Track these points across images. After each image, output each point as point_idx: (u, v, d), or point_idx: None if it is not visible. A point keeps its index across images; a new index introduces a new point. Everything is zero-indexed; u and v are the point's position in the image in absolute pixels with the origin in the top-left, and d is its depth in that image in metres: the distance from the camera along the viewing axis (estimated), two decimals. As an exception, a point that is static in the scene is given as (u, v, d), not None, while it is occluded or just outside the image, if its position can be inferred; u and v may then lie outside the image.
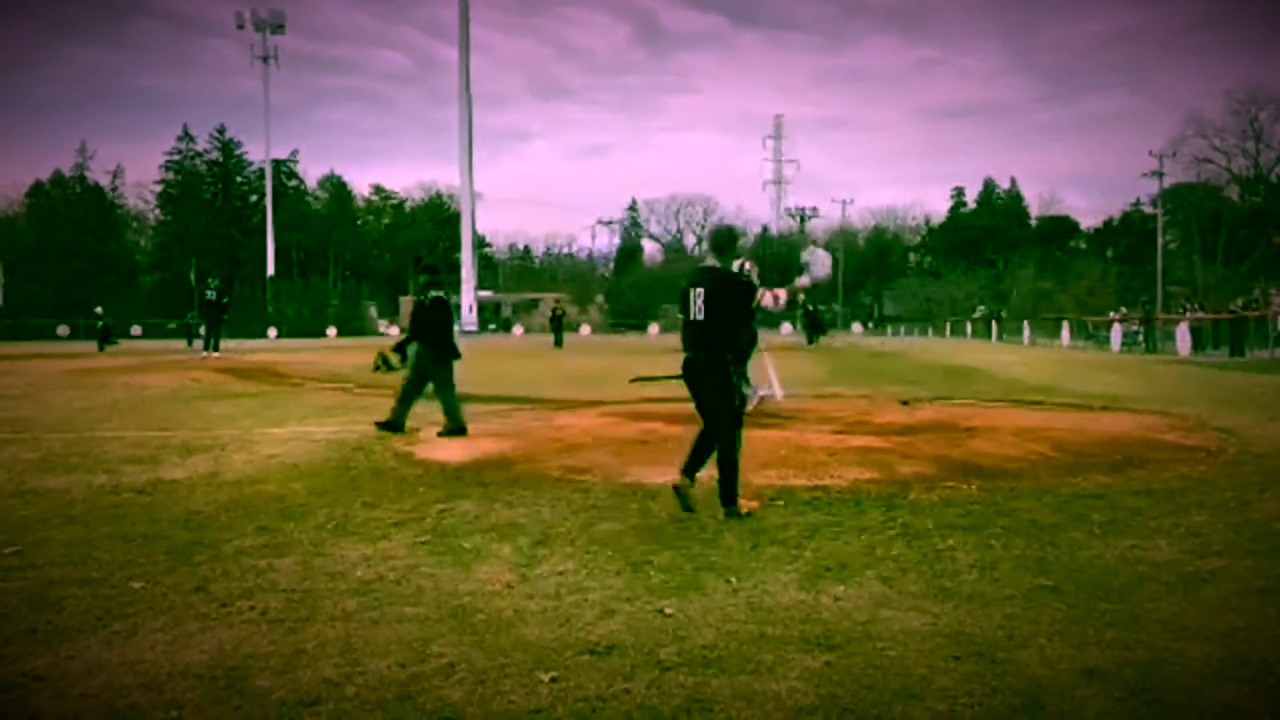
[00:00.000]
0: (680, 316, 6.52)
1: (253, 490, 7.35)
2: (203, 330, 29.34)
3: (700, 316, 6.24)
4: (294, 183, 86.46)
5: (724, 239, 6.59)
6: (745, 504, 6.34)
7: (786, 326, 71.98)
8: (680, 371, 6.46)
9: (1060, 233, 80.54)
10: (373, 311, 78.42)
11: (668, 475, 7.74)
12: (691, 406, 6.52)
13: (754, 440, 9.44)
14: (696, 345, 6.29)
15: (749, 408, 7.85)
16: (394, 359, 10.63)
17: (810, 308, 45.34)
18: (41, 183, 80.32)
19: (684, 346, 6.40)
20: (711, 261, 6.45)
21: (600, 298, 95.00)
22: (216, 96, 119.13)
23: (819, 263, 6.55)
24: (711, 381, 6.26)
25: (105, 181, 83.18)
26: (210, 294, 28.17)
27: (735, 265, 6.69)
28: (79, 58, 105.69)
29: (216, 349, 27.40)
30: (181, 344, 39.21)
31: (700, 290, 6.26)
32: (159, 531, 6.18)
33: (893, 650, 3.95)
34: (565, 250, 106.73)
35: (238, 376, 20.03)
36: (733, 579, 5.03)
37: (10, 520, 6.67)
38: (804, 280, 6.51)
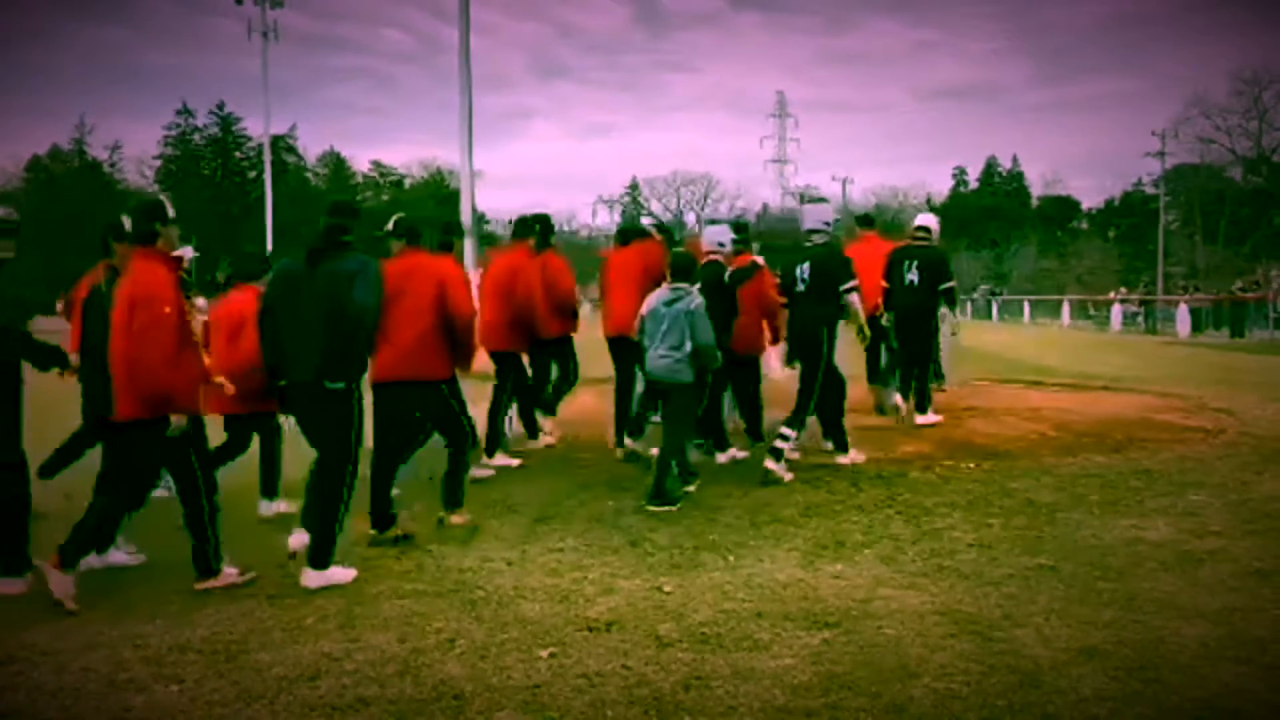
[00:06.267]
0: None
1: (255, 468, 7.33)
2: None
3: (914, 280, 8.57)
4: (294, 159, 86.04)
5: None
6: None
7: None
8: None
9: (1062, 212, 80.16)
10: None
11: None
12: None
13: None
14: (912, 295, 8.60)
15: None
16: None
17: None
18: (40, 157, 79.95)
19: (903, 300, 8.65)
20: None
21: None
22: (217, 74, 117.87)
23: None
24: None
25: (104, 156, 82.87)
26: (222, 277, 28.60)
27: None
28: (78, 33, 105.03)
29: None
30: None
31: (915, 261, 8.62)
32: (161, 507, 6.18)
33: (890, 628, 3.97)
34: (565, 228, 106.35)
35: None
36: (731, 557, 5.05)
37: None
38: None
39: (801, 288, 7.00)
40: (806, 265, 6.98)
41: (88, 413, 5.28)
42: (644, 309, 6.40)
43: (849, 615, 4.13)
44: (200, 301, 6.63)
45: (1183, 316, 29.45)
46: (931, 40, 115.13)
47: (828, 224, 7.30)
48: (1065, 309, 40.94)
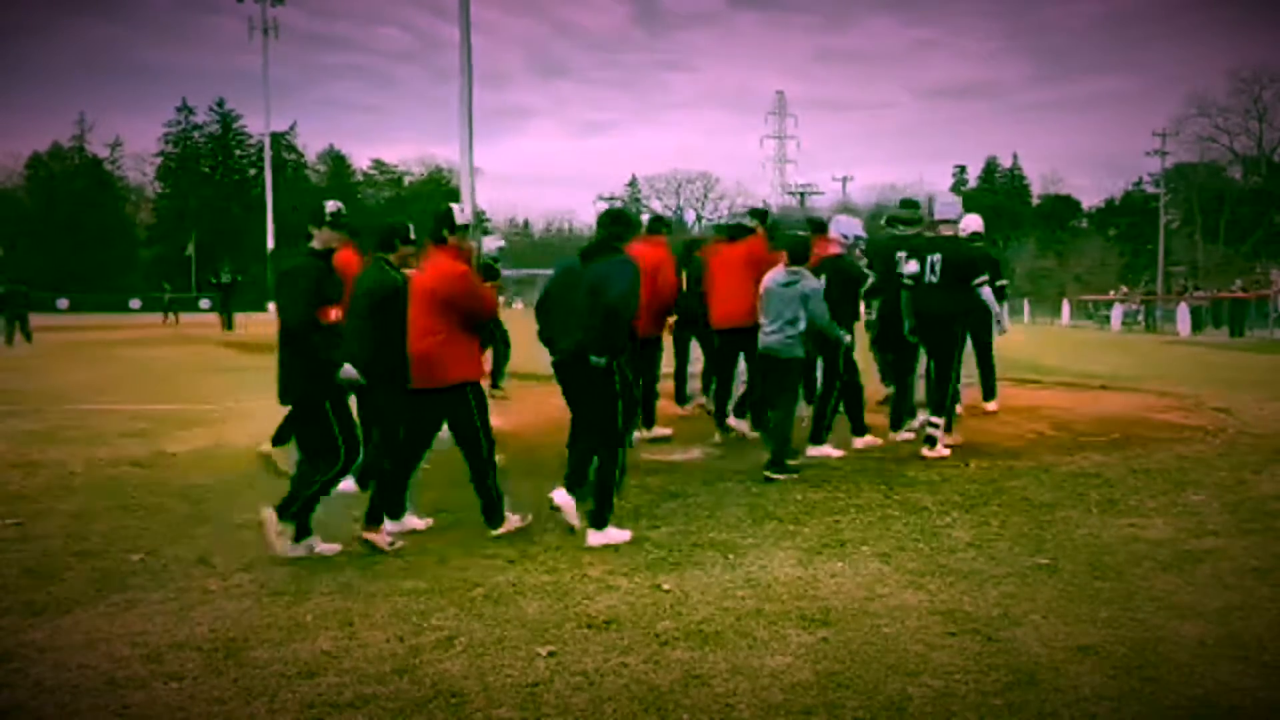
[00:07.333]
0: None
1: (253, 463, 7.34)
2: (217, 311, 32.31)
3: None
4: (293, 156, 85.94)
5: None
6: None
7: None
8: None
9: (1062, 211, 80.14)
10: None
11: (663, 453, 7.77)
12: None
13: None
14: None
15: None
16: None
17: None
18: (40, 154, 79.87)
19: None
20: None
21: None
22: (217, 72, 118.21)
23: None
24: None
25: (104, 154, 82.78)
26: (225, 278, 31.32)
27: None
28: (78, 30, 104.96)
29: (231, 328, 28.27)
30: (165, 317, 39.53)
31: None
32: (159, 504, 6.20)
33: (889, 627, 3.97)
34: (566, 226, 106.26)
35: (240, 350, 20.02)
36: (730, 555, 5.05)
37: (10, 492, 6.70)
38: None
39: (933, 278, 7.35)
40: (938, 256, 7.36)
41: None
42: (762, 288, 6.92)
43: (848, 614, 4.13)
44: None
45: (1183, 315, 29.47)
46: (930, 39, 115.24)
47: (957, 218, 7.75)
48: (1065, 308, 40.96)
